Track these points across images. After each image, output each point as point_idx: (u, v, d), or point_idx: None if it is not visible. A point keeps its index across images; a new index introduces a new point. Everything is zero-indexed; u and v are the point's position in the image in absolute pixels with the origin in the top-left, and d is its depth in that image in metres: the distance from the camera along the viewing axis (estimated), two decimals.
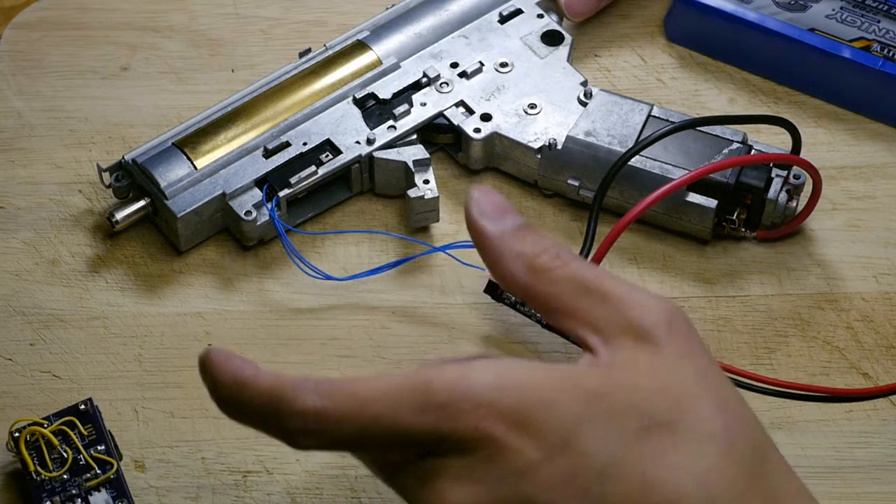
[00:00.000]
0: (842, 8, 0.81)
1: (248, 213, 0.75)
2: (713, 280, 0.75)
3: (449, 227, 0.77)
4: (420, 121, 0.78)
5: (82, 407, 0.68)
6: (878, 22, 0.81)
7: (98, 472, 0.67)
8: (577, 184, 0.76)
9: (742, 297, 0.74)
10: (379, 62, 0.79)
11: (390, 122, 0.78)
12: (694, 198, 0.74)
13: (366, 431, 0.54)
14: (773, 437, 0.69)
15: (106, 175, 0.76)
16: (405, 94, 0.79)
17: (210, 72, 0.83)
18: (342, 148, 0.77)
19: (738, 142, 0.75)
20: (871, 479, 0.68)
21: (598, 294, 0.56)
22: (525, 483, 0.53)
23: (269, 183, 0.75)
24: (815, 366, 0.72)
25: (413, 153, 0.77)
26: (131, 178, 0.76)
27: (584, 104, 0.77)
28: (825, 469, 0.69)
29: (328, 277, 0.74)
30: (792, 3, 0.81)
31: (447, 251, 0.74)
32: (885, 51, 0.79)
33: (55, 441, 0.67)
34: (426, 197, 0.75)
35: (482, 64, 0.80)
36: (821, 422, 0.70)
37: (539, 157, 0.77)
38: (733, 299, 0.74)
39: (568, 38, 0.81)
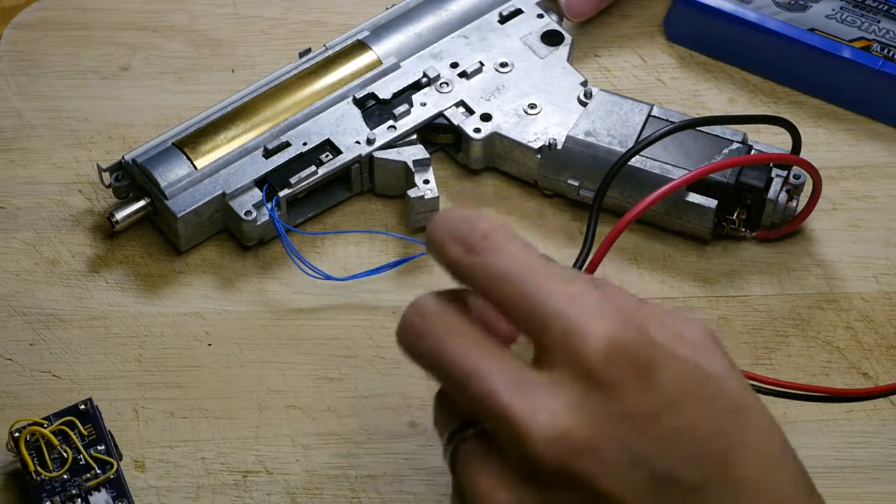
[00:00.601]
0: (842, 8, 0.81)
1: (248, 213, 0.75)
2: (713, 280, 0.75)
3: None
4: (420, 121, 0.78)
5: (82, 407, 0.68)
6: (878, 22, 0.81)
7: (98, 472, 0.67)
8: (577, 184, 0.76)
9: (742, 297, 0.74)
10: (379, 62, 0.79)
11: (390, 122, 0.78)
12: (694, 198, 0.74)
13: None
14: None
15: (106, 175, 0.76)
16: (405, 94, 0.79)
17: (210, 72, 0.83)
18: (342, 148, 0.77)
19: (738, 142, 0.75)
20: (871, 479, 0.68)
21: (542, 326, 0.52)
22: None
23: (269, 183, 0.75)
24: (815, 366, 0.72)
25: (413, 153, 0.77)
26: (131, 178, 0.76)
27: (584, 104, 0.77)
28: (825, 469, 0.69)
29: (328, 277, 0.74)
30: (792, 3, 0.81)
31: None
32: (885, 51, 0.79)
33: (55, 441, 0.67)
34: (426, 197, 0.75)
35: (482, 64, 0.80)
36: (821, 422, 0.70)
37: (539, 157, 0.77)
38: (733, 299, 0.74)
39: (568, 38, 0.81)
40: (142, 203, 0.76)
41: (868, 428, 0.70)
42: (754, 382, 0.68)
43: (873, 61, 0.79)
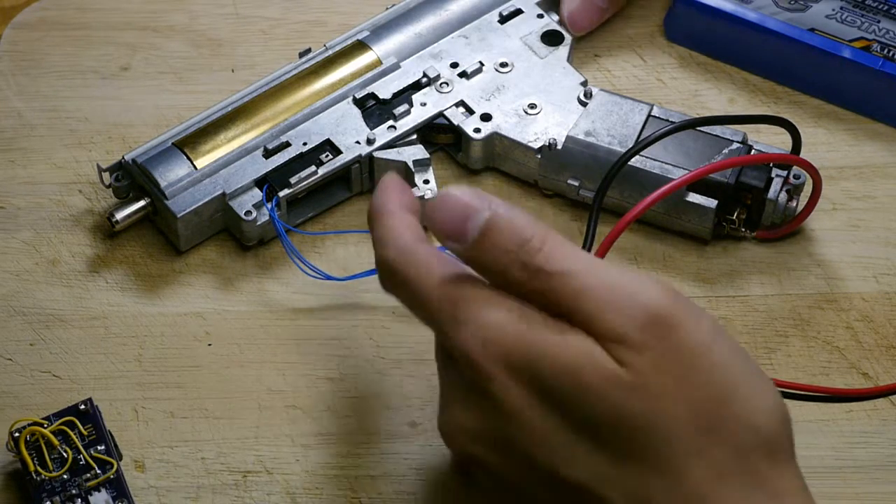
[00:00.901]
0: (842, 8, 0.81)
1: (248, 213, 0.75)
2: (713, 280, 0.75)
3: None
4: (420, 121, 0.78)
5: (82, 407, 0.68)
6: (878, 22, 0.80)
7: (98, 472, 0.67)
8: (577, 184, 0.76)
9: (742, 297, 0.74)
10: (379, 62, 0.79)
11: (390, 122, 0.78)
12: (694, 198, 0.74)
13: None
14: None
15: (106, 175, 0.76)
16: (405, 94, 0.79)
17: (210, 72, 0.83)
18: (342, 148, 0.77)
19: (738, 142, 0.75)
20: (871, 479, 0.68)
21: (568, 313, 0.56)
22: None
23: (269, 183, 0.75)
24: (815, 366, 0.72)
25: (413, 153, 0.77)
26: (131, 178, 0.76)
27: (584, 104, 0.77)
28: (825, 469, 0.69)
29: (328, 277, 0.74)
30: (792, 3, 0.81)
31: (447, 251, 0.74)
32: (886, 51, 0.79)
33: (55, 441, 0.67)
34: (426, 197, 0.75)
35: (482, 64, 0.80)
36: (821, 422, 0.70)
37: (539, 157, 0.77)
38: (733, 299, 0.74)
39: (568, 38, 0.81)
40: (142, 203, 0.76)
41: (868, 428, 0.70)
42: None
43: (873, 61, 0.79)
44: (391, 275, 0.60)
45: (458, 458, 0.60)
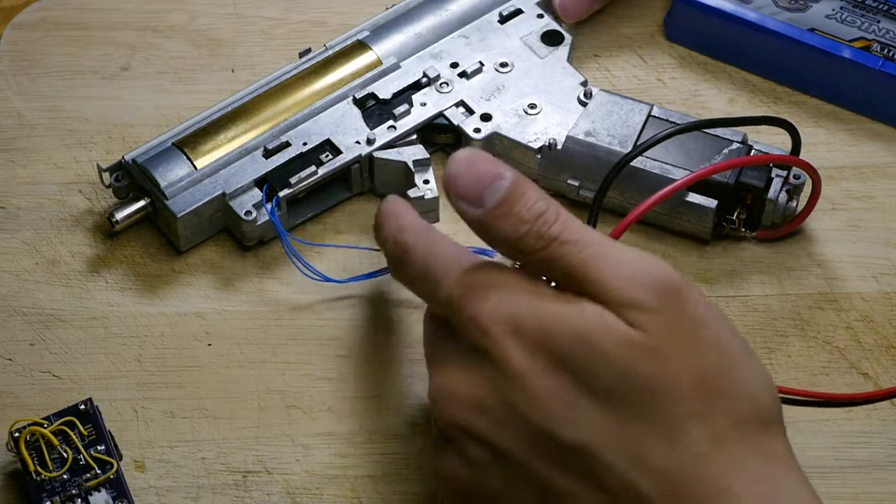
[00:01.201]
0: (842, 8, 0.81)
1: (247, 213, 0.75)
2: (713, 280, 0.75)
3: (449, 227, 0.77)
4: (420, 121, 0.78)
5: (82, 407, 0.68)
6: (878, 22, 0.80)
7: (98, 472, 0.67)
8: (577, 184, 0.76)
9: (742, 297, 0.74)
10: (379, 62, 0.79)
11: (390, 122, 0.78)
12: (694, 198, 0.74)
13: None
14: None
15: (106, 175, 0.76)
16: (405, 94, 0.79)
17: (210, 72, 0.83)
18: (342, 148, 0.77)
19: (738, 142, 0.75)
20: (871, 479, 0.68)
21: (580, 280, 0.58)
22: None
23: (269, 183, 0.75)
24: (815, 366, 0.72)
25: (413, 153, 0.77)
26: (131, 178, 0.76)
27: (584, 104, 0.77)
28: (824, 469, 0.69)
29: (327, 279, 0.74)
30: (792, 3, 0.81)
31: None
32: (885, 51, 0.79)
33: (55, 441, 0.67)
34: (426, 197, 0.75)
35: (482, 64, 0.80)
36: (820, 421, 0.70)
37: (539, 157, 0.77)
38: (733, 299, 0.74)
39: (568, 38, 0.81)
40: (142, 203, 0.75)
41: (868, 428, 0.70)
42: None
43: (873, 61, 0.79)
44: (408, 253, 0.62)
45: (443, 427, 0.60)
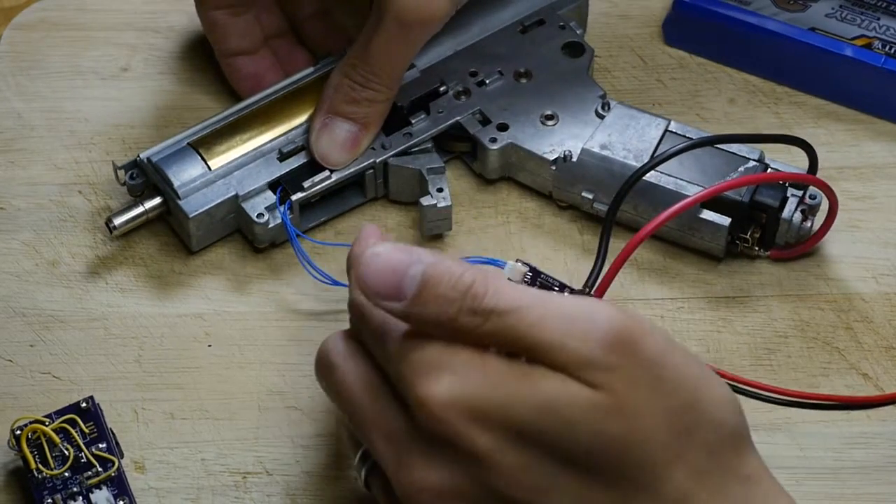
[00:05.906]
0: (841, 6, 0.81)
1: (260, 215, 0.74)
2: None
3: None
4: (436, 129, 0.77)
5: (84, 405, 0.69)
6: (878, 19, 0.81)
7: (99, 469, 0.67)
8: (591, 196, 0.76)
9: (742, 298, 0.74)
10: None
11: (406, 129, 0.77)
12: (707, 215, 0.73)
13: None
14: (773, 437, 0.69)
15: (121, 173, 0.75)
16: (422, 102, 0.78)
17: (210, 72, 0.83)
18: None
19: (754, 160, 0.74)
20: (870, 480, 0.68)
21: (530, 347, 0.55)
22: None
23: (282, 186, 0.75)
24: (814, 366, 0.72)
25: (428, 161, 0.76)
26: (146, 176, 0.76)
27: (601, 117, 0.77)
28: (824, 470, 0.69)
29: (335, 283, 0.73)
30: (791, 2, 0.81)
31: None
32: (887, 48, 0.79)
33: (56, 439, 0.67)
34: (439, 205, 0.75)
35: (501, 73, 0.79)
36: (820, 423, 0.70)
37: (554, 168, 0.76)
38: (733, 299, 0.74)
39: (589, 49, 0.80)
40: (140, 209, 0.75)
41: (867, 429, 0.70)
42: (755, 390, 0.68)
43: (875, 59, 0.79)
44: (360, 317, 0.60)
45: None
